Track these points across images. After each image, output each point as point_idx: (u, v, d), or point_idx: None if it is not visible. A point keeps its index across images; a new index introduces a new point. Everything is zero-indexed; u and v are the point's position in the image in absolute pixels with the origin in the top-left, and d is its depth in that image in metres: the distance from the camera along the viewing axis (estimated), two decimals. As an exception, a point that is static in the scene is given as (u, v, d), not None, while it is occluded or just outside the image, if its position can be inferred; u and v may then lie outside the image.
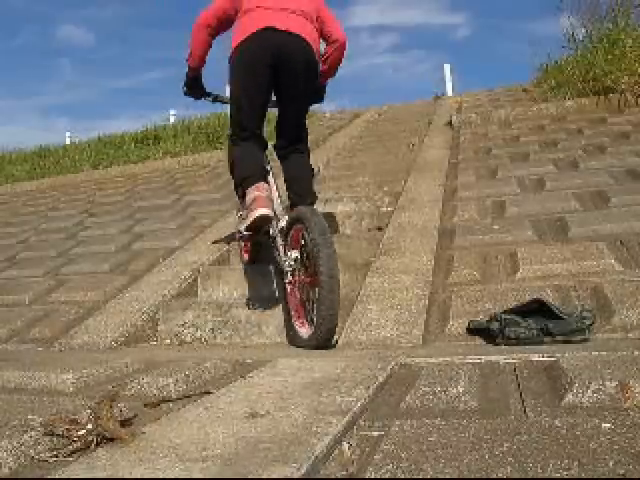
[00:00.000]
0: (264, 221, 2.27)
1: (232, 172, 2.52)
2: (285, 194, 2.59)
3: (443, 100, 8.38)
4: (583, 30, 6.63)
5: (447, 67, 10.09)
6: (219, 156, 6.90)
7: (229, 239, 3.25)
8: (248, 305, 2.50)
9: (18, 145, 12.39)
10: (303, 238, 2.18)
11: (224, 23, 2.43)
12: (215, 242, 3.33)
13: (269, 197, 2.34)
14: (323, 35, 2.51)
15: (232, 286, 2.82)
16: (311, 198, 2.49)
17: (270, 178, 2.56)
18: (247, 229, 2.31)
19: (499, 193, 3.32)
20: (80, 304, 2.86)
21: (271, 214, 2.28)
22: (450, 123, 5.75)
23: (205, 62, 2.56)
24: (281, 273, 2.35)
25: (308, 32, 2.37)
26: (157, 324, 2.59)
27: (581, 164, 3.60)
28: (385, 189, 3.93)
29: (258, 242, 2.70)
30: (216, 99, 2.73)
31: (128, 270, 3.26)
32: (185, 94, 2.68)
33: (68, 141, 11.44)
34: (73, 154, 8.85)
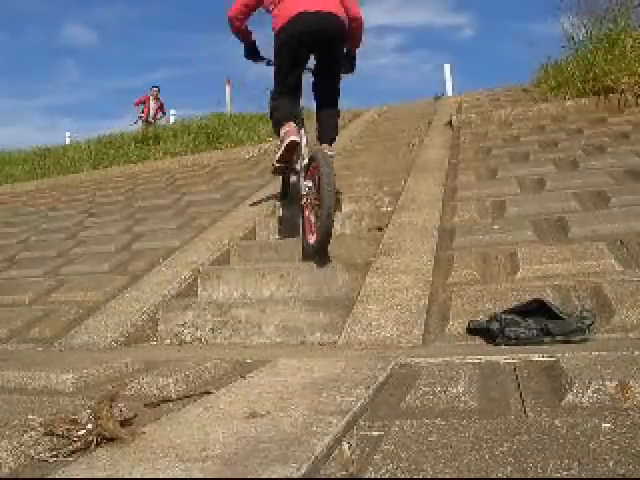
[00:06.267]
0: (293, 147, 2.96)
1: (272, 119, 3.22)
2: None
3: (443, 100, 8.37)
4: (583, 30, 6.63)
5: (447, 67, 10.11)
6: (219, 156, 6.91)
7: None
8: (248, 305, 2.50)
9: (20, 145, 12.41)
10: (316, 173, 2.78)
11: (252, 8, 3.07)
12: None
13: (297, 130, 3.01)
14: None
15: (232, 286, 2.82)
16: (333, 134, 3.22)
17: (302, 128, 3.15)
18: (279, 159, 3.02)
19: (499, 193, 3.32)
20: (80, 304, 2.85)
21: (299, 140, 2.97)
22: (450, 123, 5.74)
23: (251, 34, 3.25)
24: (300, 198, 3.01)
25: (334, 5, 2.93)
26: (157, 324, 2.58)
27: (581, 164, 3.59)
28: (385, 189, 3.92)
29: (287, 178, 3.48)
30: (269, 63, 3.30)
31: (128, 270, 3.26)
32: (246, 58, 3.35)
33: (68, 141, 11.43)
34: (73, 154, 8.85)
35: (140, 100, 12.26)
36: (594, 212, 2.75)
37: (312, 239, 2.77)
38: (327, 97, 3.22)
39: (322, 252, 2.67)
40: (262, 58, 3.34)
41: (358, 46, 3.26)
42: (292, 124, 2.99)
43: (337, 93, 3.25)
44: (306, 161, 3.02)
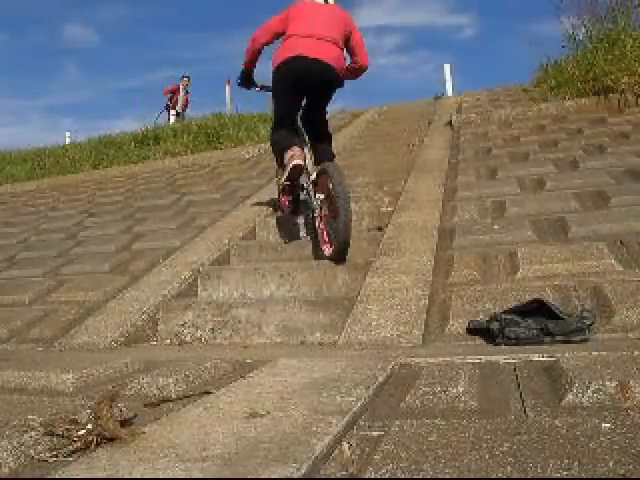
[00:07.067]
0: (298, 170, 3.02)
1: (274, 151, 3.30)
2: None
3: (443, 100, 8.37)
4: (583, 30, 6.64)
5: (447, 67, 10.07)
6: (219, 156, 6.90)
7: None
8: (248, 305, 2.50)
9: (20, 145, 12.39)
10: (328, 184, 2.84)
11: (273, 38, 3.17)
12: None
13: (301, 155, 3.06)
14: (352, 57, 3.20)
15: (232, 286, 2.81)
16: (330, 157, 3.20)
17: (305, 148, 3.25)
18: (286, 179, 3.09)
19: (499, 193, 3.32)
20: (80, 304, 2.85)
21: (303, 164, 3.03)
22: (450, 123, 5.74)
23: (256, 64, 3.37)
24: (312, 212, 3.10)
25: (333, 56, 2.99)
26: (157, 324, 2.58)
27: (581, 164, 3.59)
28: (385, 189, 3.92)
29: (296, 196, 3.37)
30: (262, 88, 3.45)
31: (128, 270, 3.26)
32: (239, 85, 3.47)
33: (68, 141, 11.42)
34: (73, 154, 8.83)
35: (170, 89, 12.19)
36: (594, 212, 2.75)
37: (328, 250, 2.81)
38: (318, 129, 3.33)
39: (340, 262, 2.69)
40: (255, 85, 3.46)
41: (353, 79, 3.38)
42: (296, 148, 3.06)
43: (326, 122, 3.37)
44: (314, 176, 3.09)
